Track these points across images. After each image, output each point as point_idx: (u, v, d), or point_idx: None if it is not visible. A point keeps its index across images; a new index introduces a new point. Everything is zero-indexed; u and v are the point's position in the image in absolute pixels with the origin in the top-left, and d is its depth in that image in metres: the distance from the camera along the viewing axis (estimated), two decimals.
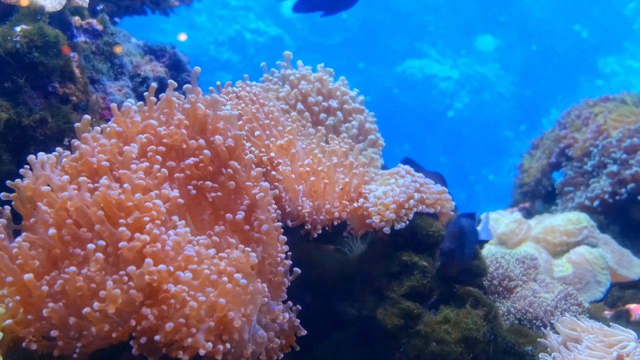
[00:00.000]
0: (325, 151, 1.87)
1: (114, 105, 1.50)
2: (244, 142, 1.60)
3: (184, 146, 1.52)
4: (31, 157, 1.38)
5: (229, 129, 1.56)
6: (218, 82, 1.87)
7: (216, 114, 1.56)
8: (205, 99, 1.59)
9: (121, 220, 1.28)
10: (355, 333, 1.78)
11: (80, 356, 1.23)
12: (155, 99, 1.57)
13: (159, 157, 1.46)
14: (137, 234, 1.26)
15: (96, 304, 1.19)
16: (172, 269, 1.26)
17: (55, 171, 1.38)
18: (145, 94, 1.58)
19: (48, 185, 1.34)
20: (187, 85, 1.61)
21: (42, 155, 1.39)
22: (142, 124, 1.51)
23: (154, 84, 1.61)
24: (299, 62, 2.15)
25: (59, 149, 1.45)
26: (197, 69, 1.67)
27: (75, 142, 1.44)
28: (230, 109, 1.72)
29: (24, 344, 1.23)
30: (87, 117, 1.49)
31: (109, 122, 1.50)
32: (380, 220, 1.71)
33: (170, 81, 1.60)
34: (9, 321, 1.24)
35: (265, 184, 1.53)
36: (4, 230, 1.32)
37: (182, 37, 10.31)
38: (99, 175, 1.35)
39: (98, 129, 1.47)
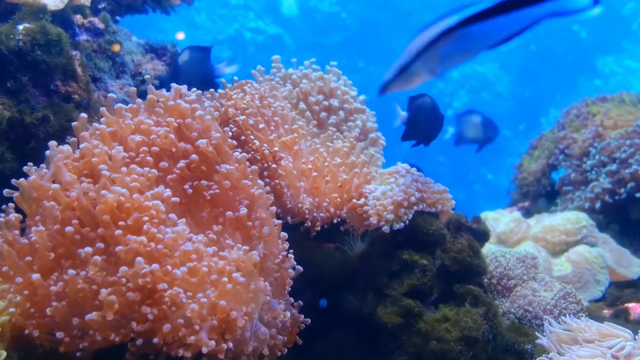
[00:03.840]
0: (329, 150, 1.88)
1: (103, 110, 1.50)
2: (230, 140, 1.60)
3: (174, 149, 1.51)
4: (53, 143, 1.38)
5: (212, 129, 1.56)
6: (223, 80, 1.87)
7: (193, 115, 1.56)
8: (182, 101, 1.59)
9: (121, 223, 1.28)
10: (356, 330, 1.79)
11: (83, 354, 1.24)
12: (140, 101, 1.58)
13: (150, 159, 1.45)
14: (133, 237, 1.25)
15: (94, 313, 1.20)
16: (169, 267, 1.26)
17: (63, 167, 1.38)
18: (150, 86, 1.59)
19: (54, 181, 1.34)
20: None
21: (53, 143, 1.39)
22: (135, 122, 1.51)
23: (134, 88, 1.62)
24: (306, 63, 2.15)
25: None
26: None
27: (71, 139, 1.45)
28: (234, 104, 1.73)
29: (26, 332, 1.24)
30: (83, 115, 1.49)
31: (101, 122, 1.49)
32: (378, 220, 1.72)
33: (149, 77, 1.64)
34: (5, 317, 1.25)
35: (262, 186, 1.53)
36: (18, 226, 1.33)
37: (180, 35, 10.27)
38: (99, 176, 1.35)
39: (96, 125, 1.48)
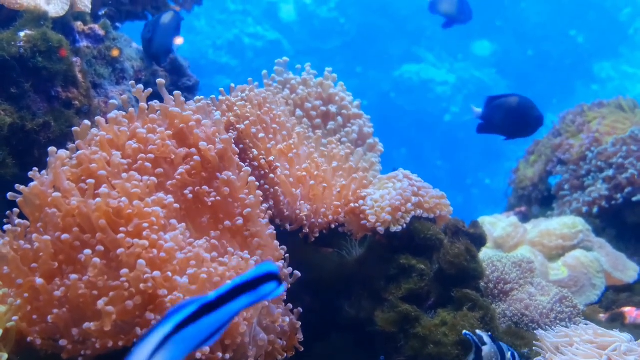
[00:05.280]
0: (325, 155, 1.90)
1: (98, 118, 1.50)
2: (234, 146, 1.61)
3: (173, 156, 1.52)
4: (52, 149, 1.39)
5: (217, 134, 1.57)
6: (221, 88, 1.89)
7: (199, 123, 1.57)
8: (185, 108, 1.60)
9: (122, 228, 1.29)
10: (354, 334, 1.80)
11: (86, 358, 1.25)
12: (130, 111, 1.58)
13: (148, 164, 1.46)
14: (135, 240, 1.27)
15: (92, 324, 1.21)
16: (169, 274, 1.27)
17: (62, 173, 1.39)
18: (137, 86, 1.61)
19: (54, 187, 1.35)
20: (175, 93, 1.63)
21: (52, 149, 1.40)
22: (131, 129, 1.51)
23: (125, 96, 1.63)
24: (307, 65, 2.16)
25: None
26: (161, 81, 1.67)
27: (70, 145, 1.46)
28: (238, 111, 1.75)
29: (29, 339, 1.25)
30: (86, 122, 1.49)
31: (99, 130, 1.50)
32: (375, 220, 1.73)
33: (133, 82, 1.66)
34: (12, 322, 1.26)
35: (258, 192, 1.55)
36: (24, 233, 1.33)
37: (179, 40, 10.31)
38: (97, 183, 1.36)
39: (95, 131, 1.48)
